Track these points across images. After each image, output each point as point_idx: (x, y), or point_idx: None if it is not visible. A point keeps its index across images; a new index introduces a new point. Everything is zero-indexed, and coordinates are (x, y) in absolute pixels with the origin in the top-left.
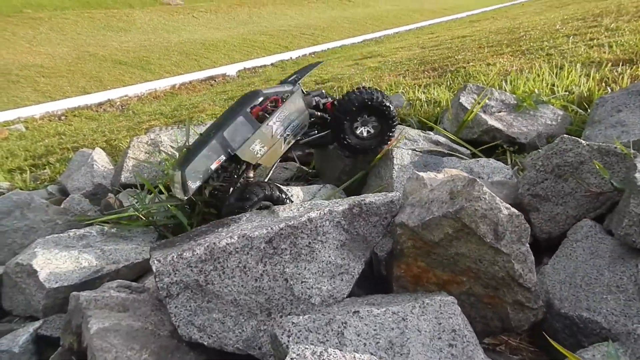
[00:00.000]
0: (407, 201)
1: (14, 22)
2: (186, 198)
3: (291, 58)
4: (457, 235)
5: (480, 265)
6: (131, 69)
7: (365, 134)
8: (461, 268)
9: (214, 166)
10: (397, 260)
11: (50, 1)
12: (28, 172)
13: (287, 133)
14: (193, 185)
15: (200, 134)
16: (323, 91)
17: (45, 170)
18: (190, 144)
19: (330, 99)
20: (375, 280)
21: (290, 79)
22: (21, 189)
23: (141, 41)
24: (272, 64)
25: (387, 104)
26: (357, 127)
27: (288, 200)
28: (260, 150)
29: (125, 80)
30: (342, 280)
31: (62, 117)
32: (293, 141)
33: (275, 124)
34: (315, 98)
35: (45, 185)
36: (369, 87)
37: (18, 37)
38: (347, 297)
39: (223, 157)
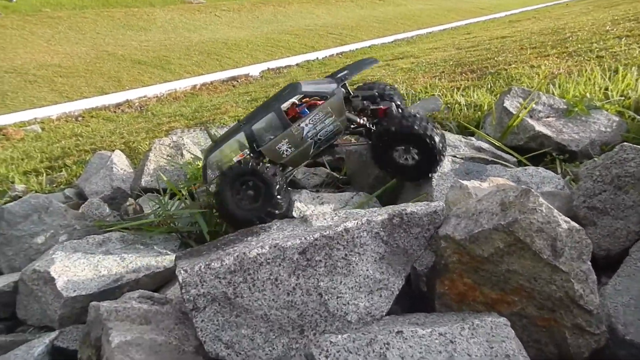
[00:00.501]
0: (452, 212)
1: (33, 21)
2: (205, 186)
3: (317, 58)
4: (509, 251)
5: (534, 284)
6: (150, 68)
7: (404, 162)
8: (513, 286)
9: (236, 158)
10: (441, 276)
11: (70, 0)
12: (44, 174)
13: (319, 137)
14: (213, 174)
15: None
16: (376, 92)
17: (61, 173)
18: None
19: (384, 105)
20: (413, 297)
21: (338, 75)
22: (37, 192)
23: (161, 40)
24: (297, 65)
25: (432, 135)
26: (396, 154)
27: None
28: (286, 150)
29: (144, 80)
30: (380, 296)
31: (79, 118)
32: (325, 146)
33: (307, 125)
34: (364, 102)
35: (61, 188)
36: (412, 113)
37: (36, 37)
38: (385, 315)
39: (247, 151)
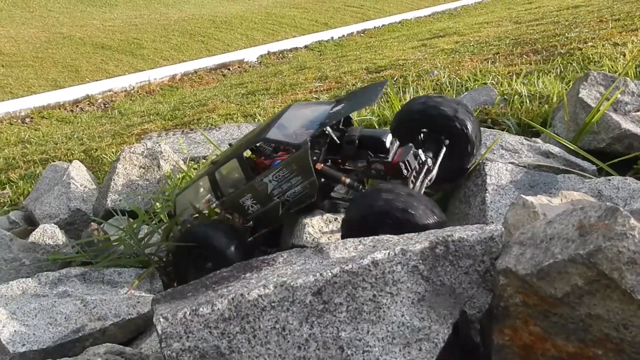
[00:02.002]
0: (513, 238)
1: None
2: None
3: (332, 38)
4: (591, 289)
5: (624, 333)
6: (117, 55)
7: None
8: (595, 336)
9: (202, 207)
10: (500, 322)
11: None
12: None
13: (287, 198)
14: (181, 216)
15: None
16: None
17: (5, 191)
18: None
19: (398, 155)
20: (462, 349)
21: (328, 115)
22: None
23: (130, 19)
24: (306, 47)
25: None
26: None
27: None
28: (252, 207)
29: (109, 69)
30: (420, 349)
31: (27, 120)
32: (296, 209)
33: (271, 182)
34: (363, 153)
35: (5, 210)
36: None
37: None
38: None
39: (213, 201)
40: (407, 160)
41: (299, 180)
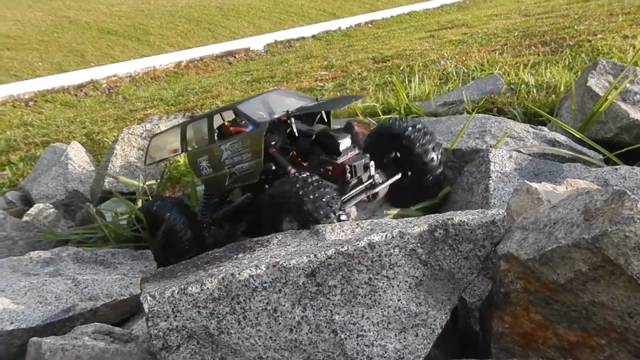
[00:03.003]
0: (515, 223)
1: None
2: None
3: (340, 28)
4: (595, 275)
5: (629, 322)
6: (123, 40)
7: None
8: (599, 325)
9: (171, 155)
10: (500, 309)
11: None
12: None
13: (234, 171)
14: (149, 160)
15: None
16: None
17: (4, 172)
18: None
19: (347, 158)
20: (461, 338)
21: (302, 105)
22: None
23: (137, 4)
24: (313, 36)
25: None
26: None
27: None
28: (205, 169)
29: (114, 55)
30: (416, 335)
31: (31, 103)
32: (240, 185)
33: (226, 150)
34: (315, 148)
35: (3, 191)
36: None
37: None
38: None
39: (179, 150)
40: (354, 166)
41: (248, 157)
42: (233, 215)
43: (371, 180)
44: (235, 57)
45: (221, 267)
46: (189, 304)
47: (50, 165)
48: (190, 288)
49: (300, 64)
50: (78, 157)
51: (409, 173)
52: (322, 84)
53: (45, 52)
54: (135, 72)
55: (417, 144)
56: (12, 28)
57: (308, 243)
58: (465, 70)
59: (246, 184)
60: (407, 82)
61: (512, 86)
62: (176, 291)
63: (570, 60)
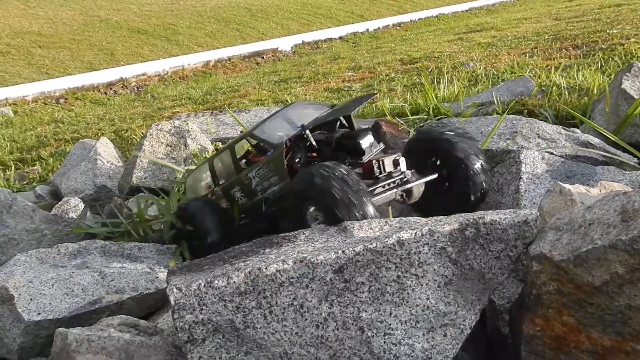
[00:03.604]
0: (549, 224)
1: None
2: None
3: (367, 30)
4: (632, 278)
5: None
6: (152, 39)
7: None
8: (635, 330)
9: (205, 190)
10: (531, 311)
11: None
12: (13, 168)
13: (268, 196)
14: (189, 194)
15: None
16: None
17: (35, 167)
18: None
19: (376, 157)
20: (488, 341)
21: (311, 119)
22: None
23: (167, 4)
24: (340, 38)
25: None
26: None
27: None
28: (241, 199)
29: (144, 54)
30: (445, 335)
31: (61, 100)
32: (277, 207)
33: (254, 178)
34: (338, 154)
35: (33, 185)
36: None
37: None
38: None
39: (212, 185)
40: (382, 161)
41: (276, 180)
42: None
43: (402, 175)
44: (263, 57)
45: (248, 262)
46: (215, 297)
47: (79, 160)
48: (216, 281)
49: (327, 65)
50: (107, 152)
51: (449, 179)
52: (349, 85)
53: (76, 51)
54: (164, 71)
55: (458, 148)
56: (44, 26)
57: (336, 239)
58: (495, 72)
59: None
60: (435, 84)
61: (543, 88)
62: (202, 284)
63: (603, 64)
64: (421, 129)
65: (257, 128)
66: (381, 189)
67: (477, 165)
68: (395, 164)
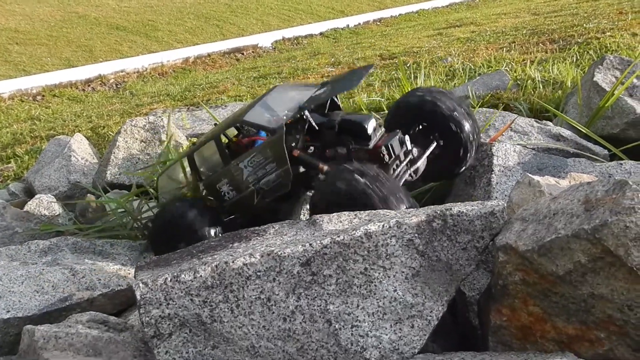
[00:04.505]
0: (515, 214)
1: None
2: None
3: (348, 26)
4: (595, 267)
5: (629, 315)
6: (131, 36)
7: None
8: (598, 318)
9: (182, 188)
10: (498, 302)
11: None
12: None
13: (262, 187)
14: (161, 197)
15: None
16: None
17: (9, 165)
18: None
19: (382, 140)
20: (458, 332)
21: (308, 97)
22: None
23: (146, 0)
24: (321, 34)
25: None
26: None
27: None
28: (228, 193)
29: (122, 50)
30: (412, 326)
31: (38, 97)
32: (271, 198)
33: (246, 168)
34: (342, 137)
35: (7, 183)
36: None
37: None
38: (419, 353)
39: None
40: (391, 145)
41: (273, 168)
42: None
43: (410, 155)
44: (243, 53)
45: (215, 256)
46: (181, 292)
47: (53, 157)
48: (183, 276)
49: (307, 61)
50: (81, 149)
51: (441, 142)
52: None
53: (53, 47)
54: (143, 67)
55: (442, 107)
56: (21, 23)
57: (305, 233)
58: (472, 66)
59: (278, 196)
60: (412, 78)
61: (519, 82)
62: (169, 279)
63: (578, 57)
64: (399, 100)
65: (247, 114)
66: (398, 175)
67: (464, 118)
68: (402, 143)
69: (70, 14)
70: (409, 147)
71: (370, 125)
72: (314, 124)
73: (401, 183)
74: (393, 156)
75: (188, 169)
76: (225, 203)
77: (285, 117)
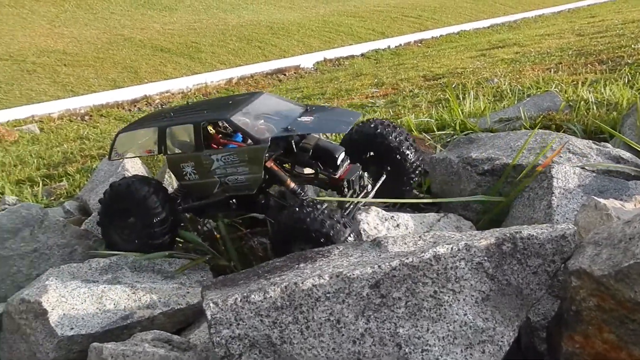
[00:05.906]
0: (587, 238)
1: None
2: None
3: (389, 47)
4: None
5: None
6: (176, 57)
7: None
8: None
9: (143, 152)
10: (570, 328)
11: None
12: (40, 184)
13: (227, 182)
14: (116, 156)
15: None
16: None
17: (61, 183)
18: None
19: (343, 171)
20: (523, 359)
21: (299, 118)
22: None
23: (190, 23)
24: (362, 55)
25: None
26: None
27: None
28: (190, 174)
29: (167, 72)
30: (483, 352)
31: (86, 117)
32: (231, 194)
33: (218, 161)
34: (312, 162)
35: (61, 201)
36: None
37: (38, 16)
38: None
39: (155, 151)
40: (352, 180)
41: (245, 171)
42: (207, 209)
43: (365, 190)
44: (285, 74)
45: (283, 276)
46: (251, 312)
47: (107, 176)
48: (253, 296)
49: (350, 82)
50: (134, 168)
51: (388, 168)
52: (373, 101)
53: (100, 69)
54: (187, 88)
55: (391, 139)
56: (69, 45)
57: (370, 254)
58: (520, 87)
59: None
60: (460, 99)
61: (571, 103)
62: (239, 299)
63: (630, 78)
64: (353, 130)
65: (234, 114)
66: (351, 207)
67: (408, 150)
68: (361, 178)
69: (116, 37)
70: (365, 183)
71: (340, 157)
72: (294, 146)
73: (353, 213)
74: (351, 188)
75: (155, 138)
76: (183, 182)
77: (271, 133)
